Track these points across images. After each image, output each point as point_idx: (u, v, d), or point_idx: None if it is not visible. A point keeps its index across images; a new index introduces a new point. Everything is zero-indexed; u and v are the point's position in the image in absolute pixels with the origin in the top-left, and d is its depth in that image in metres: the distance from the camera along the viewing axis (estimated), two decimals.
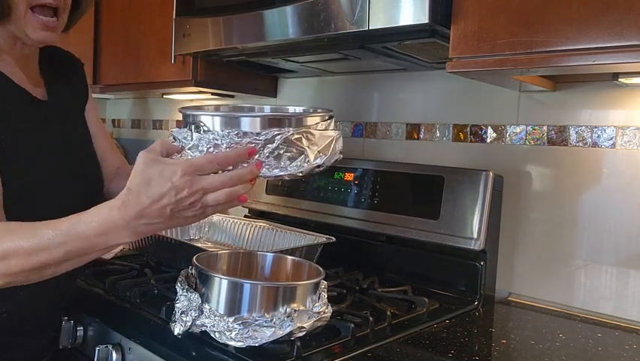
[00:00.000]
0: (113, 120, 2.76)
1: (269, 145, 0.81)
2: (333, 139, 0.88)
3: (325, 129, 0.88)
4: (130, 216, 0.76)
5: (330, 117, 0.92)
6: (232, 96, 2.00)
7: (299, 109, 1.04)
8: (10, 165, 0.93)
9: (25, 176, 0.95)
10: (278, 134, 0.81)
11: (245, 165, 0.80)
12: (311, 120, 0.87)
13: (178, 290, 0.94)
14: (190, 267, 1.00)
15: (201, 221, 1.66)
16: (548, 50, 0.93)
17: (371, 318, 1.07)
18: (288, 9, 1.22)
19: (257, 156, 0.81)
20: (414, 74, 1.57)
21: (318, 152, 0.85)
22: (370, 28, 1.09)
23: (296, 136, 0.82)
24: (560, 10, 0.92)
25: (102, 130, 1.23)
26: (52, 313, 1.12)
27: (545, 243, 1.34)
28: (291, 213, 1.63)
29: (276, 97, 1.94)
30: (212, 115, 0.85)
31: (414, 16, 1.04)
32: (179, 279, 0.97)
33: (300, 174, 0.84)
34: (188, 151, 0.82)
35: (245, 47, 1.39)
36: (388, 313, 1.11)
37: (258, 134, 0.80)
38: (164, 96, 2.19)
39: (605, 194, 1.26)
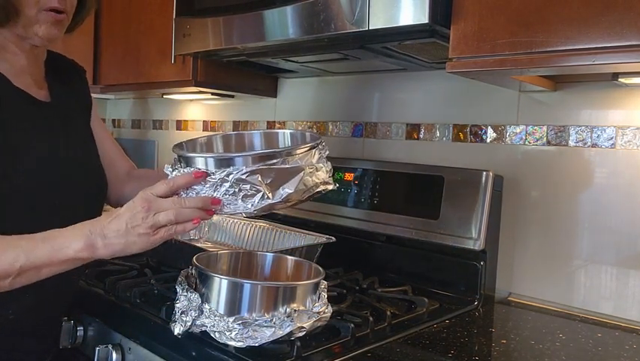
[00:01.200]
0: (113, 120, 2.76)
1: (225, 183, 0.84)
2: (301, 173, 0.87)
3: (295, 165, 0.86)
4: (94, 226, 0.84)
5: (312, 148, 0.90)
6: (232, 96, 2.00)
7: (288, 132, 1.05)
8: (11, 165, 0.93)
9: (26, 175, 0.95)
10: (230, 173, 0.84)
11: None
12: (263, 157, 0.86)
13: (178, 290, 0.94)
14: (190, 267, 1.00)
15: (201, 221, 1.66)
16: (548, 50, 0.93)
17: (371, 318, 1.07)
18: (288, 9, 1.22)
19: (215, 193, 0.85)
20: (414, 74, 1.57)
21: (281, 188, 0.85)
22: (370, 28, 1.09)
23: (250, 175, 0.84)
24: (560, 10, 0.92)
25: (109, 136, 1.25)
26: (55, 316, 1.12)
27: (545, 243, 1.34)
28: (291, 213, 1.63)
29: (275, 97, 1.95)
30: (179, 154, 0.91)
31: (414, 16, 1.04)
32: (179, 279, 0.97)
33: (256, 213, 0.86)
34: None
35: (245, 47, 1.39)
36: (388, 313, 1.11)
37: (213, 173, 0.84)
38: (164, 96, 2.19)
39: (605, 194, 1.26)
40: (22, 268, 0.82)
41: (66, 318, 1.19)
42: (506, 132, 1.41)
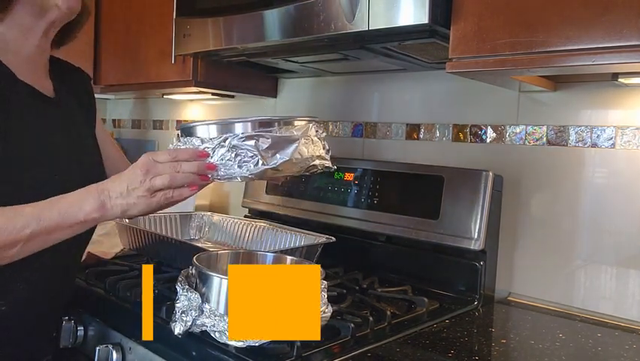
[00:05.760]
0: (114, 120, 2.76)
1: (221, 149, 0.87)
2: (297, 143, 0.89)
3: (291, 134, 0.89)
4: (101, 187, 0.88)
5: (309, 122, 0.94)
6: (232, 96, 2.00)
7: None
8: (15, 159, 0.93)
9: (30, 171, 0.95)
10: (227, 139, 0.87)
11: None
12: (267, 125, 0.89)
13: (178, 290, 0.94)
14: (190, 267, 1.00)
15: (202, 221, 1.67)
16: (548, 50, 0.93)
17: (371, 318, 1.07)
18: (288, 9, 1.22)
19: (210, 159, 0.87)
20: (414, 74, 1.58)
21: (277, 154, 0.88)
22: (370, 28, 1.09)
23: (245, 140, 0.87)
24: (560, 10, 0.92)
25: (112, 141, 1.28)
26: (51, 312, 1.12)
27: (545, 243, 1.34)
28: (291, 213, 1.63)
29: (276, 97, 1.95)
30: (182, 127, 0.94)
31: (414, 16, 1.04)
32: (179, 279, 0.97)
33: (252, 177, 0.88)
34: None
35: (245, 47, 1.39)
36: (388, 313, 1.11)
37: (211, 139, 0.87)
38: (165, 96, 2.19)
39: (605, 194, 1.26)
40: (32, 234, 0.84)
41: (66, 318, 1.19)
42: (506, 132, 1.41)
